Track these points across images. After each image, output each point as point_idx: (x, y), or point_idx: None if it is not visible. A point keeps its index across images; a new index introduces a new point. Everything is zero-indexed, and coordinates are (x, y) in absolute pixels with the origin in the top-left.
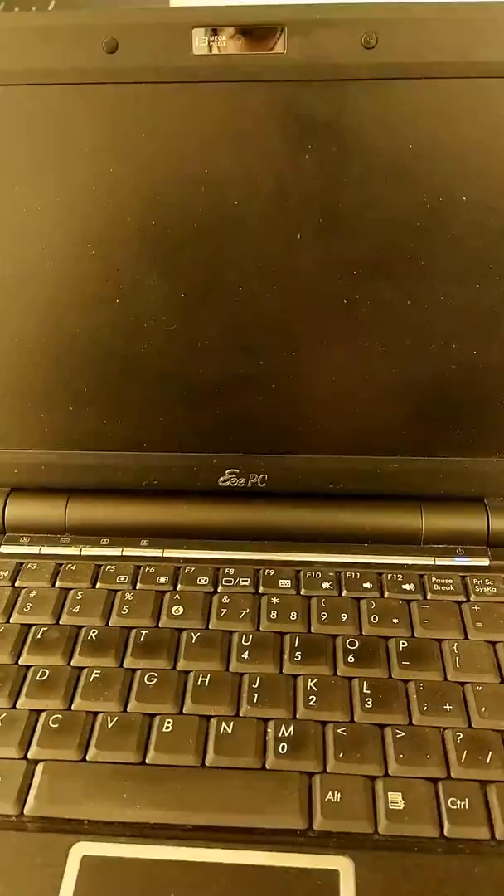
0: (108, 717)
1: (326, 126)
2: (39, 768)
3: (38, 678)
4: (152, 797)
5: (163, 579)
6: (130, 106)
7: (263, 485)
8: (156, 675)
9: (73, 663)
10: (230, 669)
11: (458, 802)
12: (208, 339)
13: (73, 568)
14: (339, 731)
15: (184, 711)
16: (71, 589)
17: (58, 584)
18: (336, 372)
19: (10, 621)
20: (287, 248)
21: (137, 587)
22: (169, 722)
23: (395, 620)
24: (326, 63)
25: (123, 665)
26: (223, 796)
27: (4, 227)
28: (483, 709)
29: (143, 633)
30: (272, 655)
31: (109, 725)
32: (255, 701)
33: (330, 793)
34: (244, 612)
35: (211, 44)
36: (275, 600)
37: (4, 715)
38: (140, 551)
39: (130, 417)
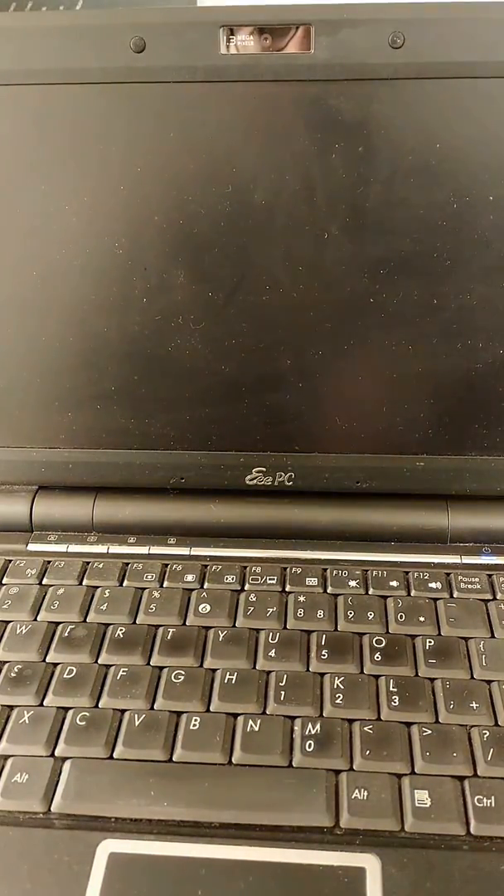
0: (136, 715)
1: (353, 125)
2: (67, 766)
3: (65, 676)
4: (179, 795)
5: (190, 577)
6: (158, 105)
7: (290, 483)
8: (183, 673)
9: (100, 661)
10: (257, 667)
11: (485, 800)
12: (235, 337)
13: (101, 566)
14: (365, 729)
15: (211, 709)
16: (98, 587)
17: (85, 582)
18: (363, 370)
19: (38, 619)
20: (314, 246)
21: (165, 585)
22: (196, 720)
23: (422, 619)
24: (353, 62)
25: (151, 663)
26: (250, 794)
27: (32, 226)
28: None
29: (171, 631)
30: (299, 653)
31: (137, 723)
32: (282, 699)
33: (357, 791)
34: (271, 610)
35: (238, 43)
36: (302, 598)
37: (32, 713)
38: (167, 549)
39: (157, 416)
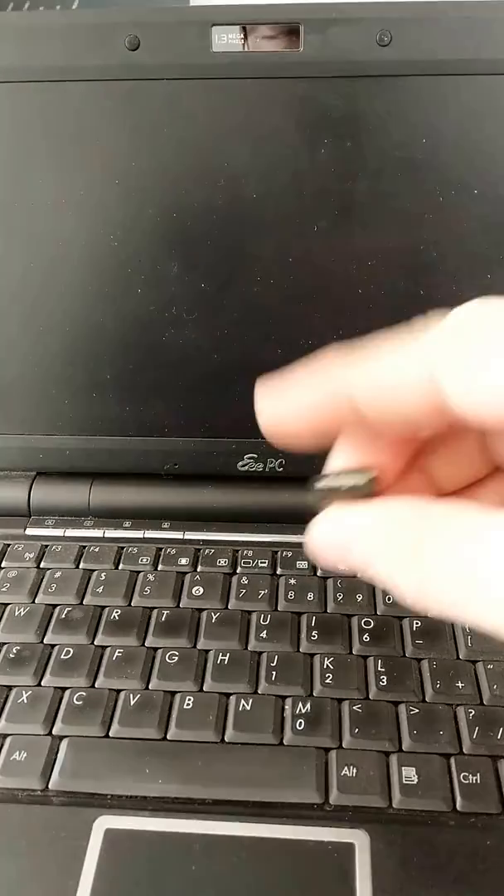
0: (131, 695)
1: (342, 121)
2: (64, 744)
3: (62, 657)
4: (173, 772)
5: (183, 561)
6: (151, 102)
7: (281, 470)
8: (177, 653)
9: (96, 642)
10: (249, 648)
11: (471, 777)
12: (227, 327)
13: (97, 550)
14: (354, 708)
15: (204, 689)
16: (94, 570)
17: (82, 565)
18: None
19: (36, 601)
20: (303, 239)
21: (159, 568)
22: (189, 699)
23: None
24: (342, 60)
25: (145, 644)
26: (242, 771)
27: (29, 219)
28: (494, 686)
29: (165, 612)
30: (290, 635)
31: (132, 703)
32: (272, 679)
33: (346, 768)
34: (262, 592)
35: (230, 41)
36: (292, 581)
37: (30, 692)
38: (161, 533)
39: (152, 403)
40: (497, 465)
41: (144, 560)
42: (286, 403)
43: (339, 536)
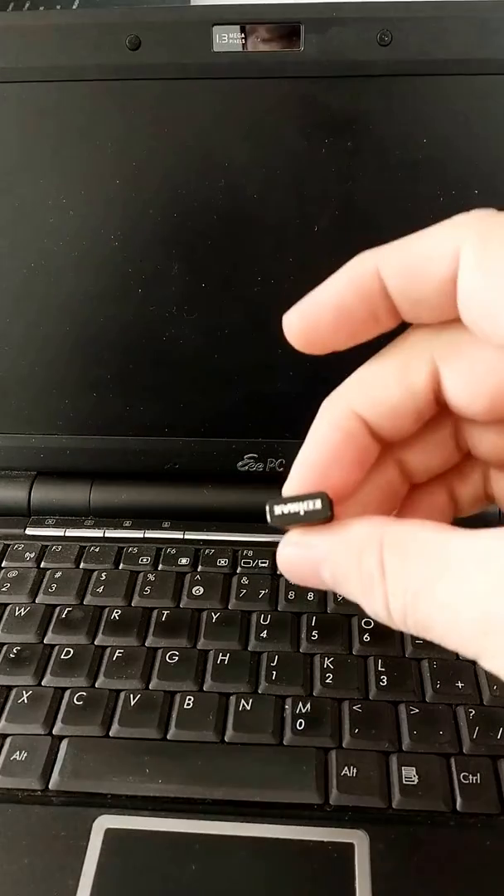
0: (131, 695)
1: (342, 121)
2: (64, 744)
3: (62, 657)
4: (173, 772)
5: (183, 561)
6: (153, 101)
7: (281, 469)
8: (177, 653)
9: (96, 642)
10: (249, 648)
11: (470, 777)
12: (228, 327)
13: (97, 550)
14: (354, 708)
15: (204, 689)
16: (95, 570)
17: (82, 565)
18: (351, 360)
19: (36, 601)
20: (304, 239)
21: (159, 568)
22: (189, 699)
23: None
24: (342, 59)
25: (145, 644)
26: (242, 772)
27: (30, 219)
28: (494, 686)
29: (165, 612)
30: (289, 635)
31: (132, 703)
32: (272, 679)
33: (345, 768)
34: (262, 592)
35: (231, 41)
36: (292, 581)
37: (31, 692)
38: (161, 533)
39: (152, 403)
40: (466, 452)
41: (144, 560)
42: (316, 297)
43: (305, 559)
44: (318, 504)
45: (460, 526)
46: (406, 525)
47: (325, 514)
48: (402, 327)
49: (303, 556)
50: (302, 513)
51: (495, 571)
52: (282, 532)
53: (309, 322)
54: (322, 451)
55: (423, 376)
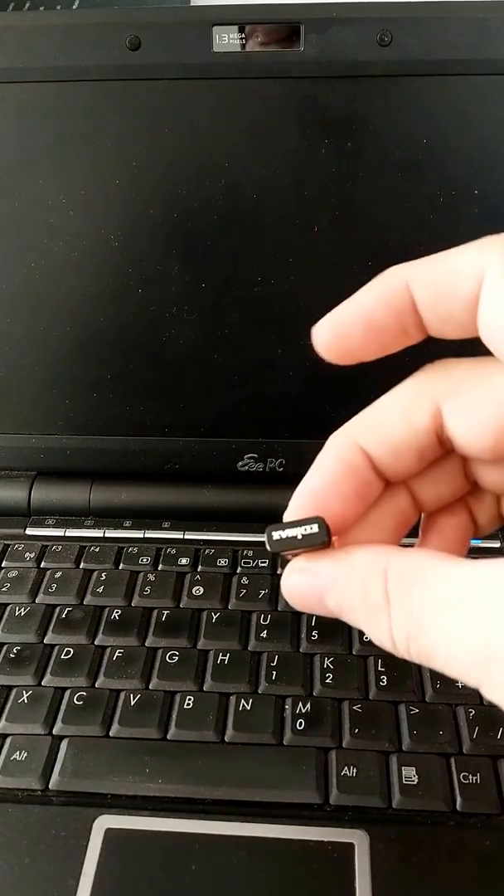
0: (131, 695)
1: (342, 121)
2: (64, 744)
3: (63, 657)
4: (173, 772)
5: (183, 561)
6: (153, 102)
7: (281, 469)
8: (177, 653)
9: (96, 642)
10: (249, 648)
11: (470, 777)
12: (228, 327)
13: (97, 550)
14: (354, 708)
15: (204, 689)
16: (95, 570)
17: (82, 565)
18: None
19: (36, 601)
20: (304, 239)
21: (159, 568)
22: (190, 699)
23: None
24: (342, 60)
25: (146, 644)
26: (242, 772)
27: (30, 219)
28: None
29: (165, 612)
30: (289, 635)
31: (132, 702)
32: (272, 679)
33: (345, 768)
34: (262, 592)
35: (231, 41)
36: None
37: (31, 692)
38: (161, 533)
39: (152, 403)
40: (474, 482)
41: (144, 560)
42: (346, 310)
43: (310, 587)
44: (314, 528)
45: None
46: (410, 554)
47: (323, 539)
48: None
49: (307, 585)
50: (300, 536)
51: (496, 600)
52: (280, 559)
53: (339, 334)
54: (323, 482)
55: (425, 416)
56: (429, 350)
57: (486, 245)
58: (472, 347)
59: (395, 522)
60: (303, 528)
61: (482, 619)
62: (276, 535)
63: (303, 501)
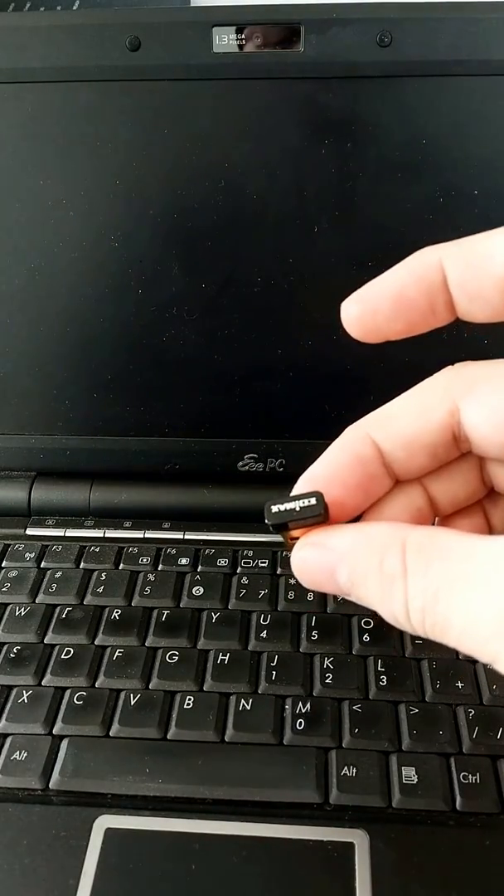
0: (131, 695)
1: (342, 122)
2: (64, 744)
3: (63, 657)
4: (173, 772)
5: (183, 561)
6: (152, 102)
7: (281, 469)
8: (177, 653)
9: (97, 642)
10: (249, 648)
11: (470, 777)
12: (228, 328)
13: (97, 550)
14: (354, 707)
15: (204, 689)
16: (95, 570)
17: (82, 565)
18: (351, 359)
19: (37, 601)
20: (304, 239)
21: (159, 568)
22: (190, 699)
23: None
24: (342, 61)
25: (146, 644)
26: (242, 771)
27: (31, 219)
28: (494, 686)
29: (165, 612)
30: (290, 635)
31: (132, 702)
32: (272, 679)
33: (345, 768)
34: (262, 592)
35: (231, 42)
36: (292, 581)
37: (31, 692)
38: (161, 534)
39: (152, 404)
40: (490, 486)
41: (144, 560)
42: (377, 285)
43: (322, 561)
44: (312, 501)
45: None
46: (429, 528)
47: (319, 511)
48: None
49: (319, 559)
50: (297, 508)
51: None
52: (280, 534)
53: (368, 309)
54: (327, 469)
55: (441, 412)
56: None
57: None
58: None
59: (410, 520)
60: (300, 501)
61: (499, 590)
62: (274, 508)
63: (304, 486)
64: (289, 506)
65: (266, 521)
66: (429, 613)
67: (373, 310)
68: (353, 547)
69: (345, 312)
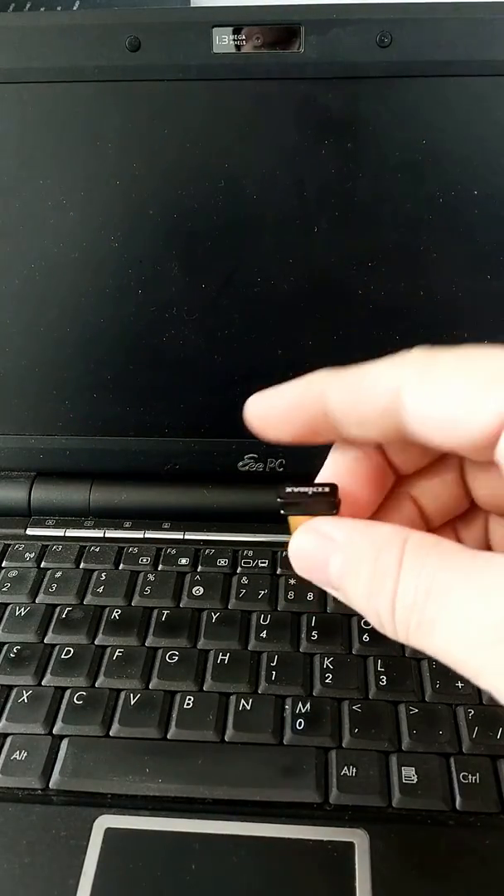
0: (131, 694)
1: (342, 122)
2: (64, 744)
3: (63, 657)
4: (173, 772)
5: (183, 561)
6: (152, 102)
7: (281, 469)
8: (177, 653)
9: (97, 642)
10: (249, 648)
11: (470, 777)
12: (227, 328)
13: (97, 550)
14: (354, 707)
15: (204, 689)
16: (95, 570)
17: (82, 565)
18: (351, 360)
19: (37, 601)
20: (304, 240)
21: (159, 568)
22: (190, 699)
23: None
24: (342, 61)
25: (146, 644)
26: (242, 771)
27: (31, 219)
28: None
29: (165, 612)
30: (289, 634)
31: (132, 702)
32: (272, 678)
33: (345, 768)
34: (262, 592)
35: (230, 42)
36: (292, 581)
37: (31, 692)
38: (161, 534)
39: (152, 404)
40: (472, 500)
41: (144, 560)
42: (272, 398)
43: (318, 548)
44: (325, 489)
45: None
46: (433, 535)
47: (332, 500)
48: None
49: (316, 545)
50: (310, 493)
51: None
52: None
53: (262, 414)
54: (340, 465)
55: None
56: None
57: (403, 361)
58: None
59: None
60: (315, 488)
61: (498, 601)
62: (288, 489)
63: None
64: (303, 489)
65: (277, 500)
66: (416, 612)
67: (266, 416)
68: (352, 538)
69: (246, 407)
